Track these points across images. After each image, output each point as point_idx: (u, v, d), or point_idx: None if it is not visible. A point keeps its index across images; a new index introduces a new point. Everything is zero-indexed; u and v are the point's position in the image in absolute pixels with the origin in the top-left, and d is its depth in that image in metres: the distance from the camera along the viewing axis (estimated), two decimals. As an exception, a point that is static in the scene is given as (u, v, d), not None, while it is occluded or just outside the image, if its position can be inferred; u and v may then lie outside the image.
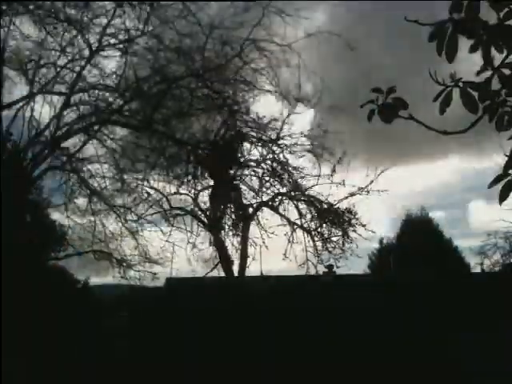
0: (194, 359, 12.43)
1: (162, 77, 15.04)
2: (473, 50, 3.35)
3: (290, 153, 17.82)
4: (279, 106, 17.05)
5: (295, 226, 17.90)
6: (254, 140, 17.65)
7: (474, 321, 11.98)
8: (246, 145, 17.92)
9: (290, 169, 17.89)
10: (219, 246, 17.51)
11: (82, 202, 16.46)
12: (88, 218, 16.38)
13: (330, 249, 17.52)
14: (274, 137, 17.53)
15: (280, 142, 17.72)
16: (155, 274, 17.07)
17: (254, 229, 17.99)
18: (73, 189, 16.11)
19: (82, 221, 16.55)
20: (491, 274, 14.79)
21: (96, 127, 15.36)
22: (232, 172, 17.81)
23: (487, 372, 11.30)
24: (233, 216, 18.07)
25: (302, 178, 17.91)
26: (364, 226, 17.46)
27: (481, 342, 11.69)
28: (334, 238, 17.70)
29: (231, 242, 17.67)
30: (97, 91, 15.24)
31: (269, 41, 15.41)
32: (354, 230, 17.53)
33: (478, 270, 19.57)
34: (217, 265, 17.65)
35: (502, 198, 3.38)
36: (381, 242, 27.55)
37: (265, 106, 17.27)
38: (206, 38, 14.95)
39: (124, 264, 16.38)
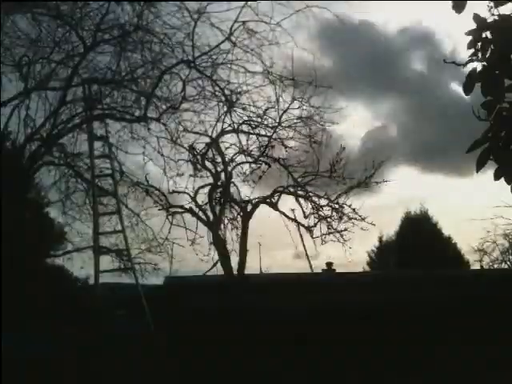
0: (193, 357, 12.39)
1: (154, 67, 14.85)
2: None
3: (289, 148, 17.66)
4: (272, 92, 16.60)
5: (294, 223, 17.80)
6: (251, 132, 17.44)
7: (474, 319, 11.93)
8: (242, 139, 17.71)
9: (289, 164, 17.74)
10: (219, 243, 17.43)
11: (79, 197, 16.27)
12: (86, 213, 16.19)
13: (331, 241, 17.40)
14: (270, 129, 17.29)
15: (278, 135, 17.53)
16: (156, 264, 16.99)
17: (253, 225, 17.93)
18: (69, 184, 15.99)
19: (79, 216, 16.38)
20: (491, 271, 14.72)
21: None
22: (229, 168, 17.66)
23: (486, 371, 11.27)
24: (232, 211, 18.00)
25: (303, 176, 17.79)
26: (364, 219, 17.33)
27: (480, 340, 11.65)
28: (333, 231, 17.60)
29: (231, 237, 17.61)
30: (93, 86, 15.10)
31: (257, 20, 14.94)
32: (353, 224, 17.41)
33: (477, 266, 19.53)
34: (216, 263, 17.60)
35: (480, 164, 3.28)
36: (380, 239, 27.50)
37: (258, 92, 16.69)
38: (194, 22, 14.69)
39: (124, 256, 16.14)
